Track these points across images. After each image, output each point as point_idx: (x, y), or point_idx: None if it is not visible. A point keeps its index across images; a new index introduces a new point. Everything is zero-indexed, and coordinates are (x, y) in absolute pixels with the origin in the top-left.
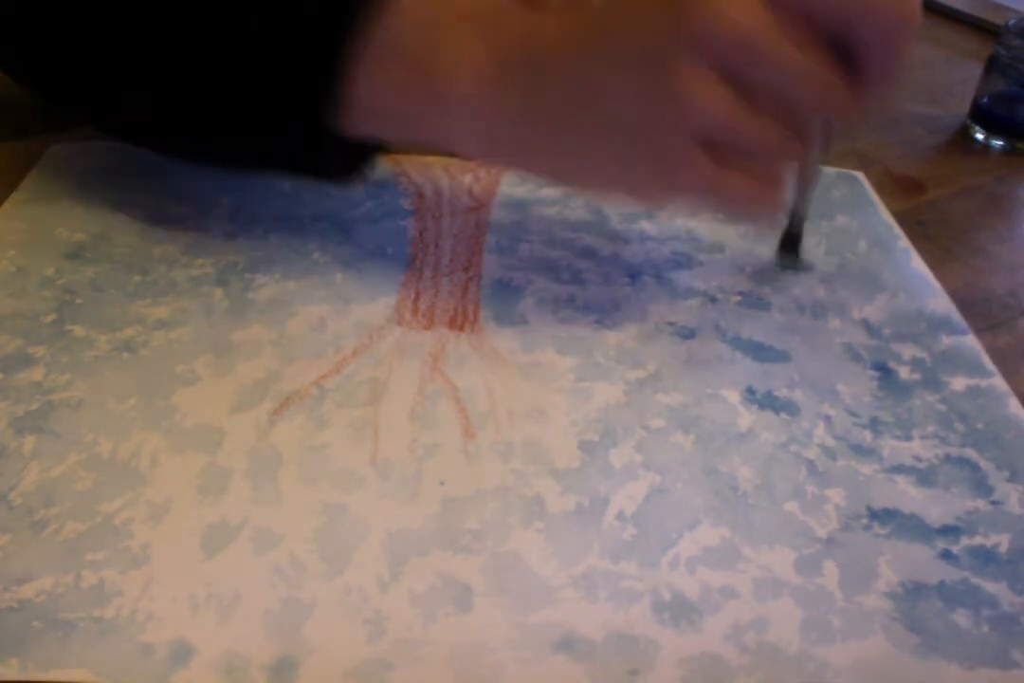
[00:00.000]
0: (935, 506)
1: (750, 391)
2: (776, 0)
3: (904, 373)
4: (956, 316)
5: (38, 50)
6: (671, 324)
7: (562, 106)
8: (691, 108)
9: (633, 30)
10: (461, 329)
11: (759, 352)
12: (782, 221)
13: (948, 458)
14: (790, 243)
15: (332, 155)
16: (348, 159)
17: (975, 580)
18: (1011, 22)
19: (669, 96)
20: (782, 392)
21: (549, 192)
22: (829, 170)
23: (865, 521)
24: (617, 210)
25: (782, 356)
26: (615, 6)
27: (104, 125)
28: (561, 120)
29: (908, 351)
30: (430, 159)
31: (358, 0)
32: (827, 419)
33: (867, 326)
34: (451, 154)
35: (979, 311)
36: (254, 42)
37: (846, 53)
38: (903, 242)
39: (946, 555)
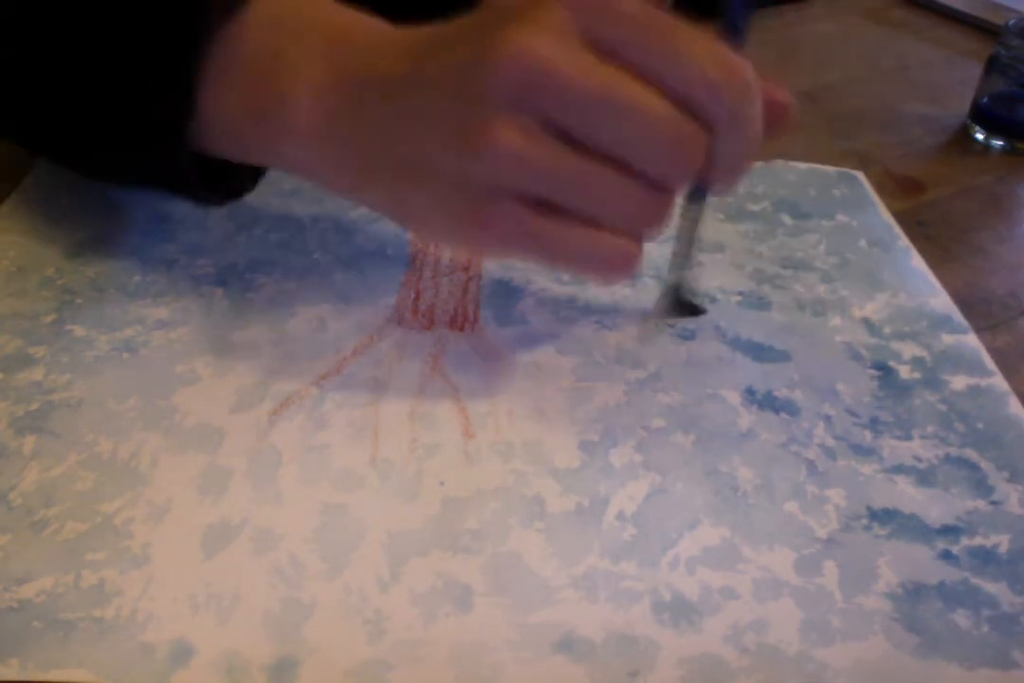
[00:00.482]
0: (935, 506)
1: (750, 391)
2: (599, 40)
3: (904, 372)
4: (956, 315)
5: None
6: (671, 324)
7: (381, 139)
8: (501, 160)
9: (445, 69)
10: (461, 329)
11: (759, 352)
12: (670, 277)
13: (948, 458)
14: (671, 303)
15: (192, 173)
16: (217, 179)
17: (975, 580)
18: (1011, 22)
19: (476, 145)
20: (782, 392)
21: None
22: (829, 169)
23: (865, 521)
24: None
25: (782, 356)
26: (439, 35)
27: None
28: (379, 154)
29: (908, 350)
30: None
31: (210, 12)
32: (827, 419)
33: (867, 325)
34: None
35: (979, 311)
36: (106, 50)
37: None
38: (903, 241)
39: (946, 555)
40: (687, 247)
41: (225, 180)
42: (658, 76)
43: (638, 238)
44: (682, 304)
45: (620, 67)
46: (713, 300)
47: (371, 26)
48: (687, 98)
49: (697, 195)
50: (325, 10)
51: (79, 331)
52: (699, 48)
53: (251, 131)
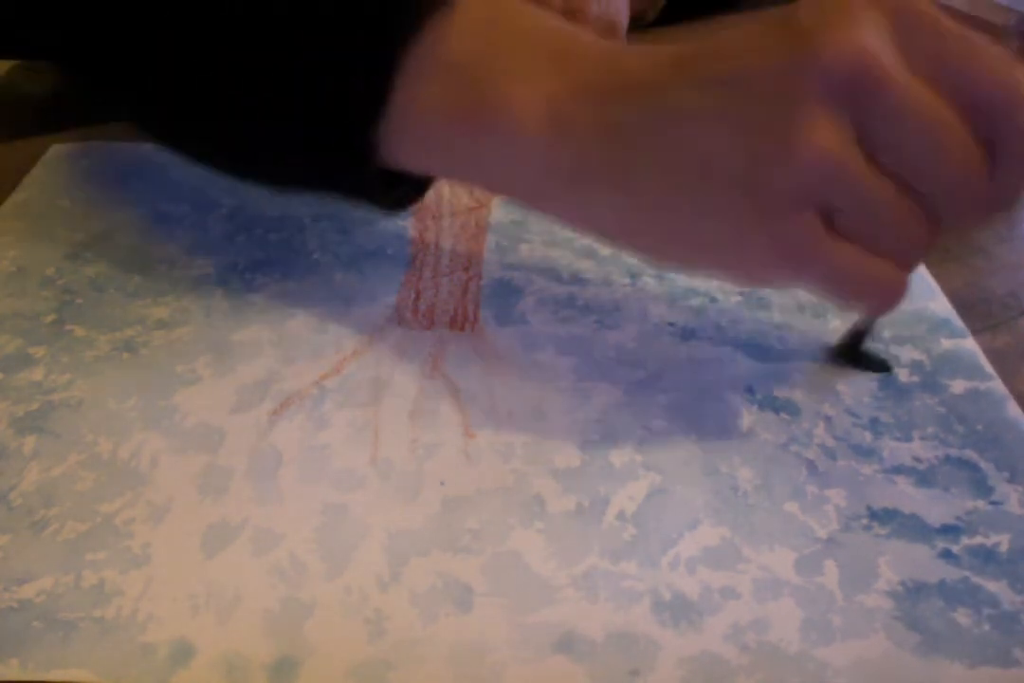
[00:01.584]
0: (935, 506)
1: (750, 391)
2: (914, 53)
3: (904, 375)
4: (955, 319)
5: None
6: (671, 324)
7: (647, 152)
8: (811, 162)
9: (745, 62)
10: (461, 329)
11: (759, 352)
12: (857, 327)
13: (948, 459)
14: (854, 341)
15: (374, 179)
16: (394, 186)
17: (976, 579)
18: (1011, 22)
19: (785, 146)
20: (782, 392)
21: None
22: None
23: (865, 521)
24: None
25: (782, 356)
26: (722, 36)
27: (145, 124)
28: (645, 169)
29: (907, 353)
30: None
31: (413, 7)
32: (827, 419)
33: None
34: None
35: (979, 311)
36: (296, 45)
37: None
38: None
39: (946, 554)
40: None
41: (400, 186)
42: (957, 94)
43: (906, 266)
44: (867, 355)
45: (936, 72)
46: (713, 300)
47: (598, 41)
48: (982, 121)
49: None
50: (546, 17)
51: (79, 331)
52: (1003, 67)
53: (455, 129)
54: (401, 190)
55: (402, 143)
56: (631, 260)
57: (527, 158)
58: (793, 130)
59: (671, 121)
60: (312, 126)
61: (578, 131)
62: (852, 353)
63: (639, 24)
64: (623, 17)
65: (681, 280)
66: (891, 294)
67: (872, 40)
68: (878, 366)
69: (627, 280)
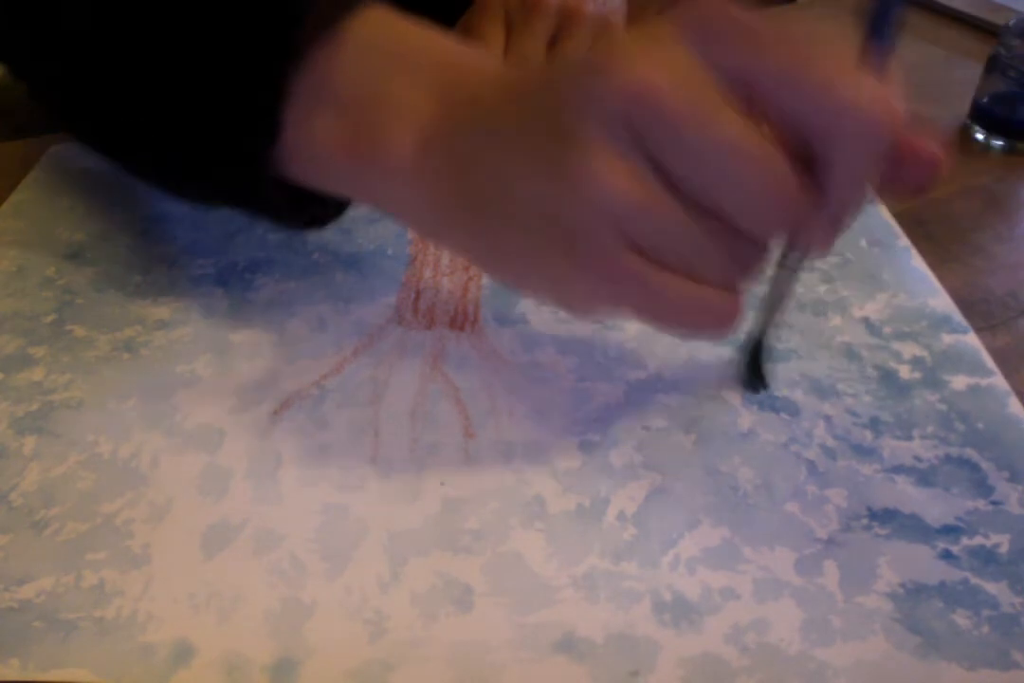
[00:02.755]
0: (935, 506)
1: (750, 391)
2: (723, 74)
3: (904, 372)
4: (956, 315)
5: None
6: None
7: (483, 182)
8: (599, 196)
9: (545, 97)
10: (461, 329)
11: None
12: (745, 341)
13: (948, 458)
14: (752, 367)
15: (277, 198)
16: (305, 205)
17: (975, 580)
18: (1011, 22)
19: (572, 184)
20: (782, 392)
21: None
22: None
23: (865, 521)
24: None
25: (782, 356)
26: (546, 69)
27: (72, 131)
28: (480, 199)
29: (909, 350)
30: None
31: (303, 36)
32: (827, 419)
33: (867, 325)
34: None
35: (979, 311)
36: (190, 67)
37: (806, 155)
38: (903, 241)
39: (946, 555)
40: (770, 313)
41: (311, 206)
42: (781, 111)
43: (736, 292)
44: (753, 371)
45: (741, 101)
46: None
47: (479, 60)
48: (806, 138)
49: (791, 258)
50: (431, 39)
51: (79, 331)
52: (832, 82)
53: (341, 161)
54: (319, 208)
55: (298, 169)
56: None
57: (402, 190)
58: (579, 168)
59: (491, 155)
60: (212, 152)
61: (436, 164)
62: (750, 371)
63: (636, 22)
64: (619, 16)
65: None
66: (720, 319)
67: (654, 73)
68: (752, 384)
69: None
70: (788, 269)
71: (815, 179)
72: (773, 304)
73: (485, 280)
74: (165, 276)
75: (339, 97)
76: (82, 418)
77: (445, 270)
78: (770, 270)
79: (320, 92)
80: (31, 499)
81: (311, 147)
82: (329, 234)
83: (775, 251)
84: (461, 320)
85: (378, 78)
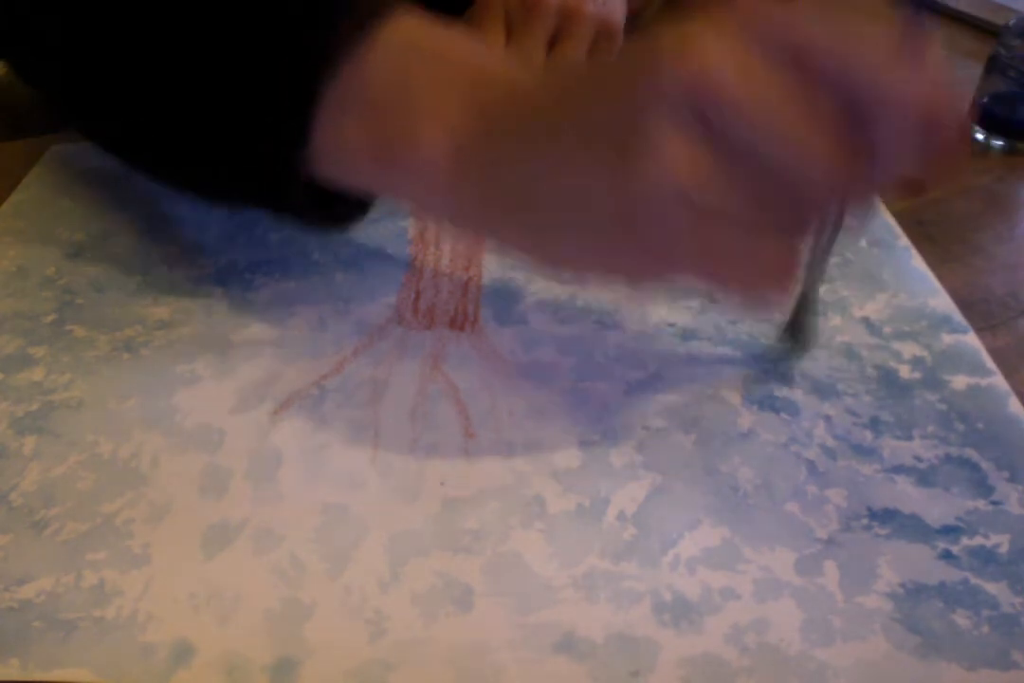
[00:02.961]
0: (935, 506)
1: (750, 391)
2: (776, 57)
3: (904, 372)
4: (957, 315)
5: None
6: (671, 324)
7: (530, 181)
8: (674, 179)
9: (602, 89)
10: (461, 329)
11: (759, 352)
12: (788, 306)
13: (948, 458)
14: (795, 329)
15: (304, 199)
16: (330, 205)
17: (975, 581)
18: (1011, 22)
19: (645, 167)
20: (782, 392)
21: None
22: None
23: (865, 521)
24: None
25: (782, 355)
26: (587, 68)
27: (89, 133)
28: (530, 198)
29: (909, 350)
30: None
31: (336, 41)
32: (827, 419)
33: (868, 325)
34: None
35: (979, 311)
36: (225, 77)
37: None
38: (903, 241)
39: (946, 555)
40: (816, 276)
41: (336, 207)
42: (833, 91)
43: (792, 252)
44: (796, 334)
45: (792, 78)
46: (714, 300)
47: (509, 64)
48: (856, 118)
49: (831, 220)
50: (462, 44)
51: (79, 331)
52: (877, 65)
53: (371, 165)
54: (343, 208)
55: (327, 170)
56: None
57: (436, 190)
58: (651, 155)
59: (543, 150)
60: (242, 153)
61: (476, 165)
62: (795, 329)
63: (636, 23)
64: (619, 16)
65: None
66: (781, 278)
67: (712, 58)
68: (799, 347)
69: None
70: (827, 237)
71: (861, 145)
72: (816, 263)
73: (485, 280)
74: (165, 276)
75: (370, 100)
76: (82, 418)
77: (445, 270)
78: (811, 242)
79: (352, 96)
80: (31, 499)
81: (342, 150)
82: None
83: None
84: (461, 320)
85: (409, 82)
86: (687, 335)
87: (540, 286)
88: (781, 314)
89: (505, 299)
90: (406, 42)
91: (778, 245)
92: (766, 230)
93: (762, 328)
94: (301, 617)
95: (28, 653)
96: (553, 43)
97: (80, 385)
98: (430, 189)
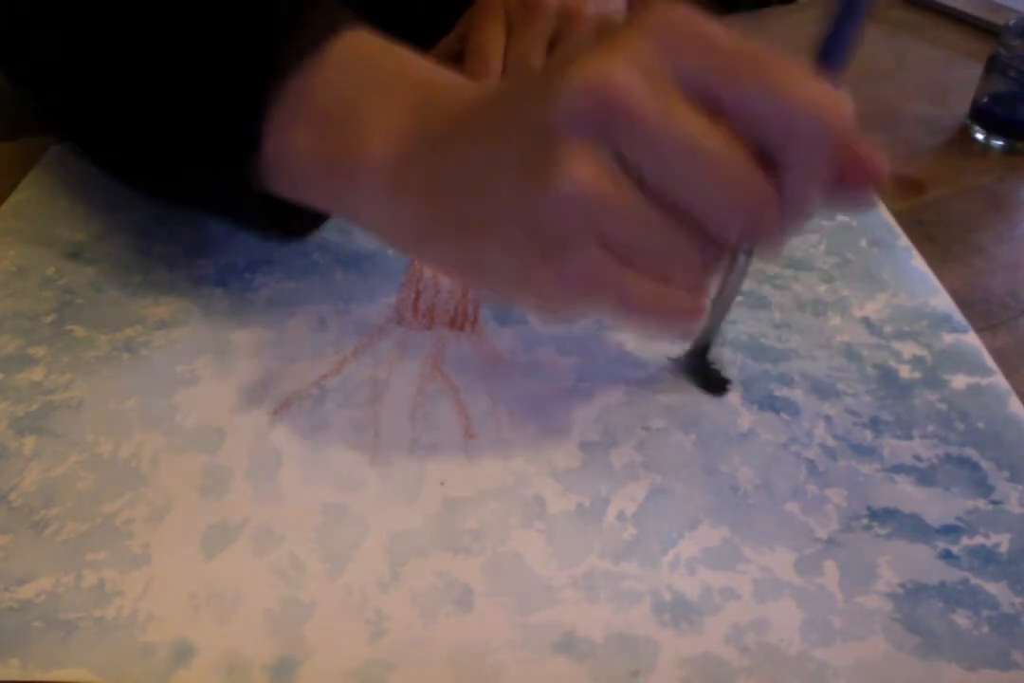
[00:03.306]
0: (935, 506)
1: (750, 391)
2: (685, 76)
3: (905, 372)
4: (957, 314)
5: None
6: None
7: (459, 193)
8: (572, 196)
9: (514, 105)
10: (461, 329)
11: (759, 352)
12: (693, 345)
13: (948, 458)
14: (696, 364)
15: (259, 209)
16: (283, 215)
17: (975, 581)
18: (1011, 22)
19: (545, 180)
20: (782, 392)
21: None
22: None
23: (865, 521)
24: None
25: (782, 356)
26: (513, 81)
27: (65, 134)
28: (457, 210)
29: (909, 349)
30: None
31: (284, 55)
32: (827, 419)
33: (868, 325)
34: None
35: (979, 311)
36: (177, 83)
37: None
38: (903, 241)
39: (946, 555)
40: (722, 310)
41: (292, 218)
42: (740, 113)
43: (695, 290)
44: (706, 373)
45: (701, 103)
46: (726, 378)
47: (454, 79)
48: (764, 140)
49: (739, 260)
50: (408, 60)
51: (79, 331)
52: (789, 85)
53: (318, 176)
54: (298, 219)
55: (277, 182)
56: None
57: (377, 201)
58: (550, 167)
59: (465, 167)
60: (196, 164)
61: (412, 178)
62: (695, 368)
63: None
64: (620, 17)
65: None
66: (686, 316)
67: (617, 71)
68: (716, 386)
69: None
70: (736, 272)
71: (772, 179)
72: (721, 307)
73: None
74: (165, 276)
75: (317, 113)
76: (82, 418)
77: None
78: (719, 277)
79: (300, 108)
80: (31, 499)
81: (290, 161)
82: (329, 234)
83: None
84: (461, 320)
85: (355, 96)
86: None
87: None
88: (686, 348)
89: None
90: (355, 56)
91: (687, 279)
92: (674, 264)
93: (761, 328)
94: (301, 617)
95: (28, 653)
96: (553, 44)
97: (80, 385)
98: (372, 199)
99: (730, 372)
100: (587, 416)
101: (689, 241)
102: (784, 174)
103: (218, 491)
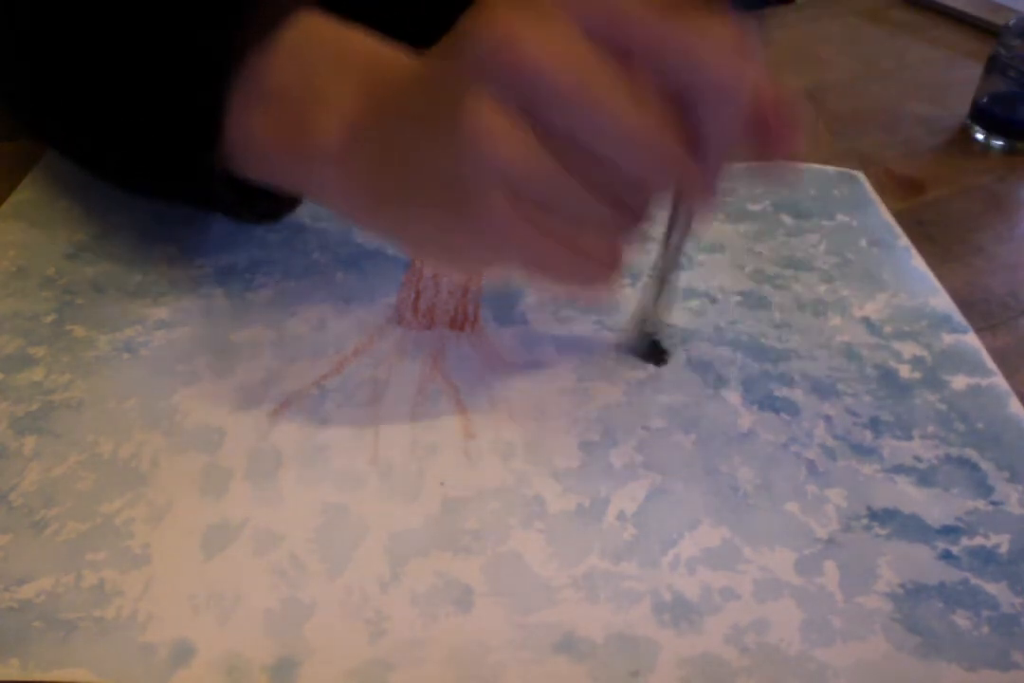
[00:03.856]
0: (935, 506)
1: (750, 391)
2: (593, 29)
3: (905, 372)
4: (957, 314)
5: None
6: (671, 325)
7: (398, 162)
8: (484, 149)
9: (439, 72)
10: (461, 329)
11: (759, 352)
12: (637, 314)
13: (948, 458)
14: (645, 341)
15: (226, 192)
16: (253, 198)
17: (975, 581)
18: (1011, 22)
19: (462, 138)
20: (782, 392)
21: None
22: (829, 169)
23: (865, 521)
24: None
25: (782, 356)
26: (441, 45)
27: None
28: (397, 178)
29: (909, 349)
30: None
31: (242, 39)
32: (827, 419)
33: (868, 325)
34: None
35: (979, 311)
36: (135, 71)
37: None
38: (903, 241)
39: (946, 556)
40: (661, 283)
41: (264, 200)
42: (650, 62)
43: (615, 245)
44: (647, 343)
45: (611, 56)
46: (713, 301)
47: (403, 56)
48: (677, 88)
49: (676, 226)
50: (359, 40)
51: (79, 331)
52: (696, 37)
53: (278, 156)
54: (268, 203)
55: (240, 164)
56: (631, 261)
57: (331, 177)
58: (466, 126)
59: (405, 133)
60: (160, 149)
61: (361, 150)
62: (637, 341)
63: None
64: None
65: (681, 280)
66: (599, 270)
67: (520, 29)
68: (654, 356)
69: (627, 280)
70: (673, 246)
71: (689, 134)
72: (661, 278)
73: (485, 280)
74: (165, 276)
75: (272, 93)
76: (82, 418)
77: (445, 270)
78: (658, 247)
79: (255, 90)
80: (31, 499)
81: (248, 141)
82: (329, 234)
83: (660, 224)
84: (461, 320)
85: (308, 75)
86: (687, 335)
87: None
88: (633, 316)
89: (505, 299)
90: (307, 38)
91: (604, 237)
92: (594, 221)
93: (761, 328)
94: (301, 617)
95: (28, 653)
96: None
97: (80, 385)
98: (325, 176)
99: (671, 346)
100: (587, 416)
101: (600, 201)
102: (700, 126)
103: (218, 491)
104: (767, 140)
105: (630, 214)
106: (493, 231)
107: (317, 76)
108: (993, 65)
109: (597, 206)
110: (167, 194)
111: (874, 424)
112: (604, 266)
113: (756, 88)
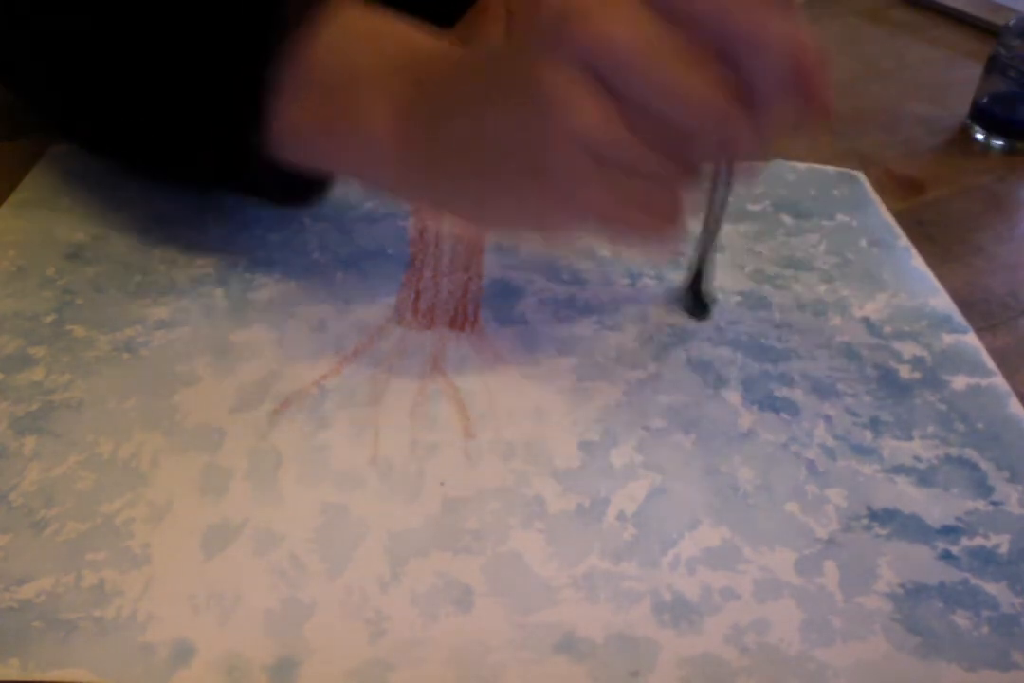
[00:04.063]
0: (935, 506)
1: (750, 391)
2: (659, 7)
3: (905, 372)
4: (957, 315)
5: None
6: (671, 325)
7: (461, 136)
8: (564, 114)
9: (512, 54)
10: (461, 329)
11: (759, 352)
12: (688, 266)
13: (948, 458)
14: (694, 291)
15: (267, 178)
16: (292, 183)
17: (975, 581)
18: (1011, 22)
19: (539, 106)
20: (782, 392)
21: None
22: (829, 169)
23: (865, 521)
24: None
25: (782, 356)
26: (506, 37)
27: (58, 126)
28: (460, 152)
29: (909, 350)
30: None
31: (283, 30)
32: (827, 419)
33: (868, 325)
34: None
35: (979, 311)
36: (180, 58)
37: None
38: (903, 241)
39: (946, 556)
40: (709, 240)
41: (299, 184)
42: (701, 23)
43: (673, 209)
44: (695, 298)
45: (673, 31)
46: (713, 300)
47: (445, 44)
48: (724, 46)
49: (722, 178)
50: (400, 28)
51: (79, 331)
52: (749, 19)
53: (323, 141)
54: (305, 186)
55: (284, 148)
56: (631, 261)
57: (383, 159)
58: (552, 101)
59: (466, 113)
60: (206, 138)
61: (413, 130)
62: (685, 293)
63: None
64: None
65: (681, 280)
66: (669, 218)
67: (592, 3)
68: (699, 311)
69: (627, 280)
70: (717, 202)
71: (741, 92)
72: (707, 238)
73: (485, 280)
74: (165, 276)
75: (318, 81)
76: (82, 418)
77: (445, 270)
78: (704, 198)
79: (301, 77)
80: (31, 499)
81: (296, 129)
82: (329, 234)
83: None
84: (461, 320)
85: (351, 60)
86: (687, 335)
87: (540, 286)
88: (681, 267)
89: (505, 299)
90: (347, 26)
91: (669, 191)
92: (659, 177)
93: (761, 328)
94: (301, 617)
95: (28, 653)
96: None
97: (80, 385)
98: (378, 159)
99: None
100: (587, 416)
101: (663, 158)
102: (751, 87)
103: (218, 491)
104: (805, 93)
105: (687, 168)
106: (578, 193)
107: (360, 61)
108: (993, 65)
109: (662, 162)
110: (207, 182)
111: (874, 424)
112: (671, 218)
113: (795, 42)
